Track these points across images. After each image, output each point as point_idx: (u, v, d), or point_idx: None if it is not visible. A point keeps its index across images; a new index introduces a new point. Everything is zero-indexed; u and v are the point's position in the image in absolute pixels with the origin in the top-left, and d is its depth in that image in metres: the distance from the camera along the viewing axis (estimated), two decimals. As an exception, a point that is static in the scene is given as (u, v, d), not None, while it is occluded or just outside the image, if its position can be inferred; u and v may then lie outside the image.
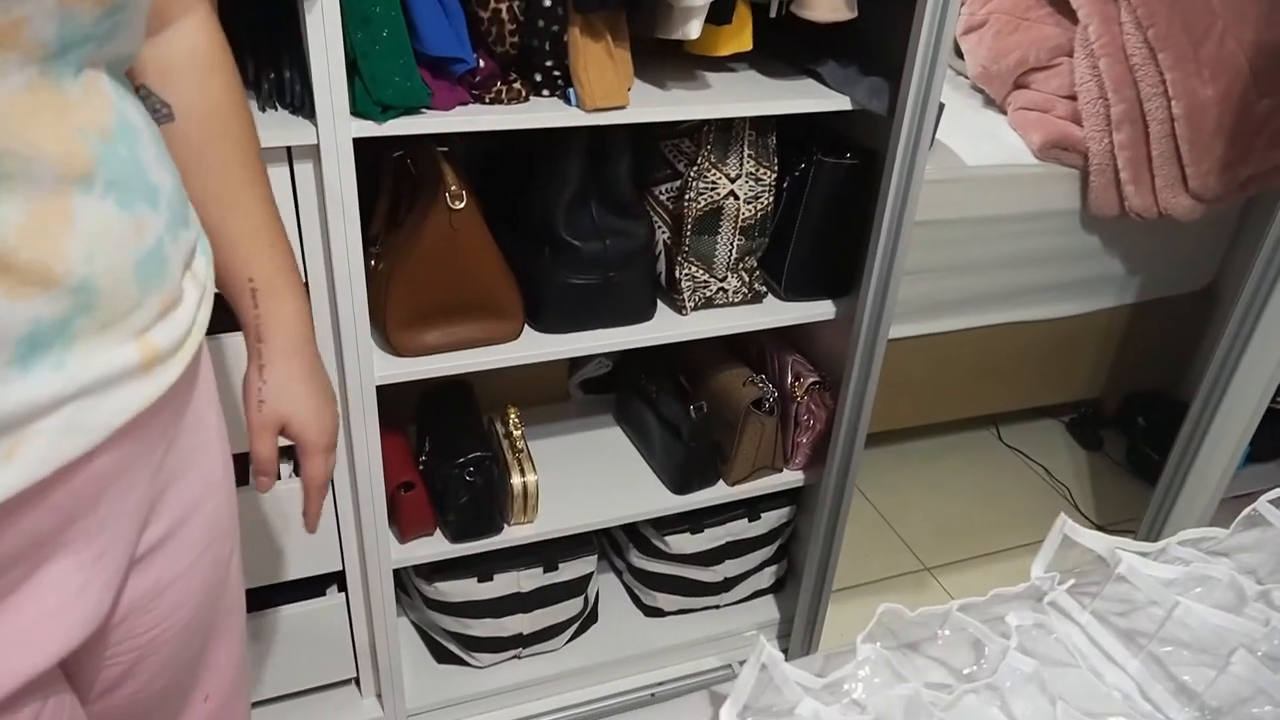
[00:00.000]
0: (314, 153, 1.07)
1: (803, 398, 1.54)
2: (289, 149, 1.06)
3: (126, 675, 0.72)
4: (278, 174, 1.07)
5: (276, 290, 0.83)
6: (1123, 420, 2.41)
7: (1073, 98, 1.95)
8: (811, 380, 1.54)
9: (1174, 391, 2.40)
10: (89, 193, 0.54)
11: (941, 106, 1.22)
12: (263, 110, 1.09)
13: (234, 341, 1.12)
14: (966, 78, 2.18)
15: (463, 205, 1.22)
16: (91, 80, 0.57)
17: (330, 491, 1.30)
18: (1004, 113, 2.06)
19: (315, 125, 1.05)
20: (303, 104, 1.08)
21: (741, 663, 0.93)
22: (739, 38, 1.25)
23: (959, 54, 2.16)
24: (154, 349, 0.61)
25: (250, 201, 0.81)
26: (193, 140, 0.74)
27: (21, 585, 0.58)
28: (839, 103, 1.29)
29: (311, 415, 0.87)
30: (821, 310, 1.46)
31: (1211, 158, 1.90)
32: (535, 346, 1.33)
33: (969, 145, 1.91)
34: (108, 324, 0.57)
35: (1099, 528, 2.20)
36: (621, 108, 1.18)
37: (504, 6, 1.11)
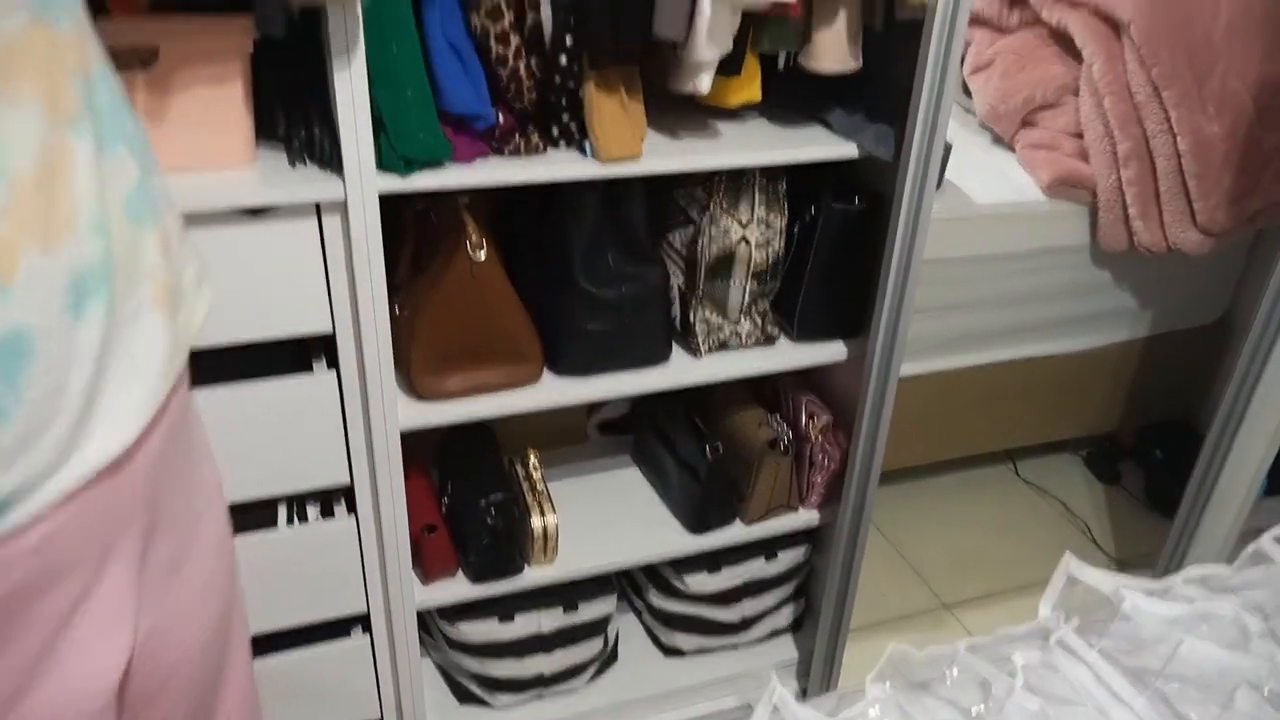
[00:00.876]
0: (341, 207, 1.11)
1: (817, 437, 1.56)
2: (317, 205, 1.11)
3: (160, 690, 0.71)
4: (306, 228, 1.11)
5: None
6: (1140, 453, 2.41)
7: (1080, 135, 1.97)
8: (825, 420, 1.56)
9: (1192, 424, 2.40)
10: (79, 135, 0.56)
11: (949, 148, 1.25)
12: (293, 166, 1.13)
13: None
14: (975, 115, 2.21)
15: (484, 255, 1.26)
16: (81, 21, 0.58)
17: (355, 534, 1.33)
18: (1013, 150, 2.08)
19: (343, 180, 1.10)
20: (330, 159, 1.13)
21: (758, 701, 0.94)
22: (748, 89, 1.29)
23: (968, 92, 2.19)
24: (166, 287, 0.63)
25: None
26: None
27: (96, 583, 0.60)
28: (846, 150, 1.32)
29: None
30: (833, 351, 1.49)
31: (1219, 192, 1.91)
32: (555, 391, 1.36)
33: (979, 183, 1.94)
34: (128, 269, 0.58)
35: (1119, 562, 2.20)
36: (635, 158, 1.22)
37: (522, 65, 1.16)
